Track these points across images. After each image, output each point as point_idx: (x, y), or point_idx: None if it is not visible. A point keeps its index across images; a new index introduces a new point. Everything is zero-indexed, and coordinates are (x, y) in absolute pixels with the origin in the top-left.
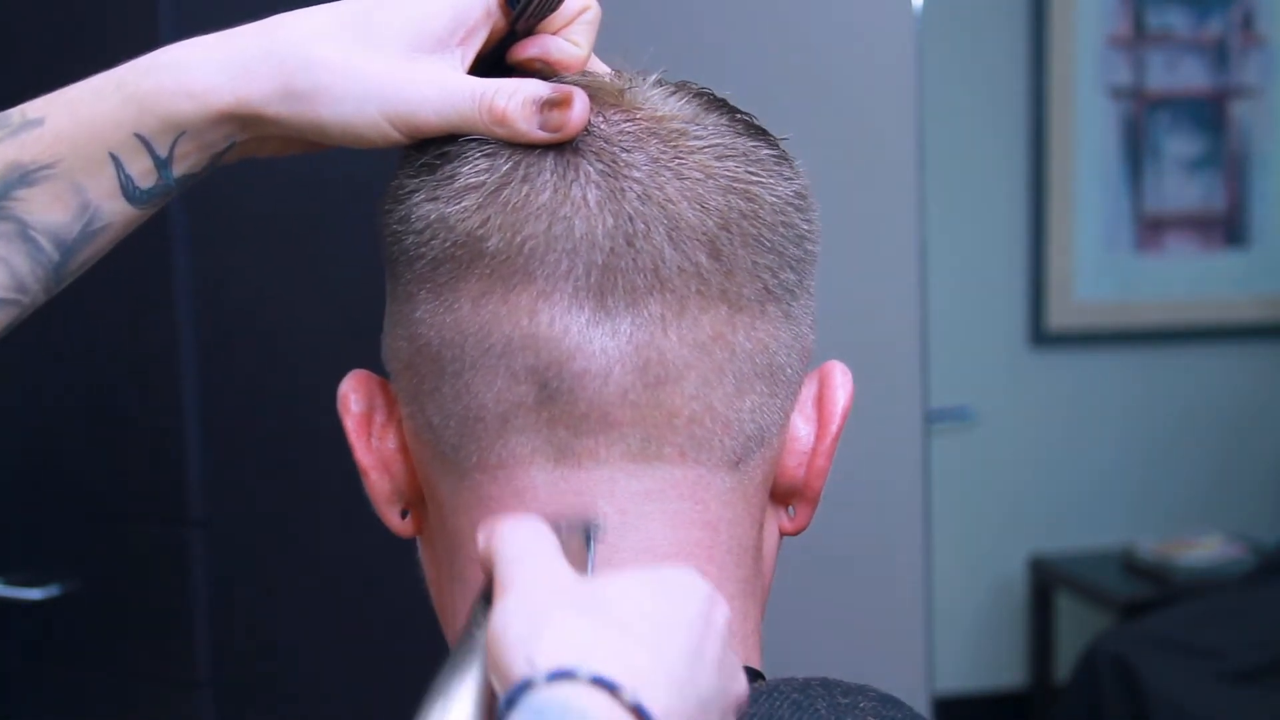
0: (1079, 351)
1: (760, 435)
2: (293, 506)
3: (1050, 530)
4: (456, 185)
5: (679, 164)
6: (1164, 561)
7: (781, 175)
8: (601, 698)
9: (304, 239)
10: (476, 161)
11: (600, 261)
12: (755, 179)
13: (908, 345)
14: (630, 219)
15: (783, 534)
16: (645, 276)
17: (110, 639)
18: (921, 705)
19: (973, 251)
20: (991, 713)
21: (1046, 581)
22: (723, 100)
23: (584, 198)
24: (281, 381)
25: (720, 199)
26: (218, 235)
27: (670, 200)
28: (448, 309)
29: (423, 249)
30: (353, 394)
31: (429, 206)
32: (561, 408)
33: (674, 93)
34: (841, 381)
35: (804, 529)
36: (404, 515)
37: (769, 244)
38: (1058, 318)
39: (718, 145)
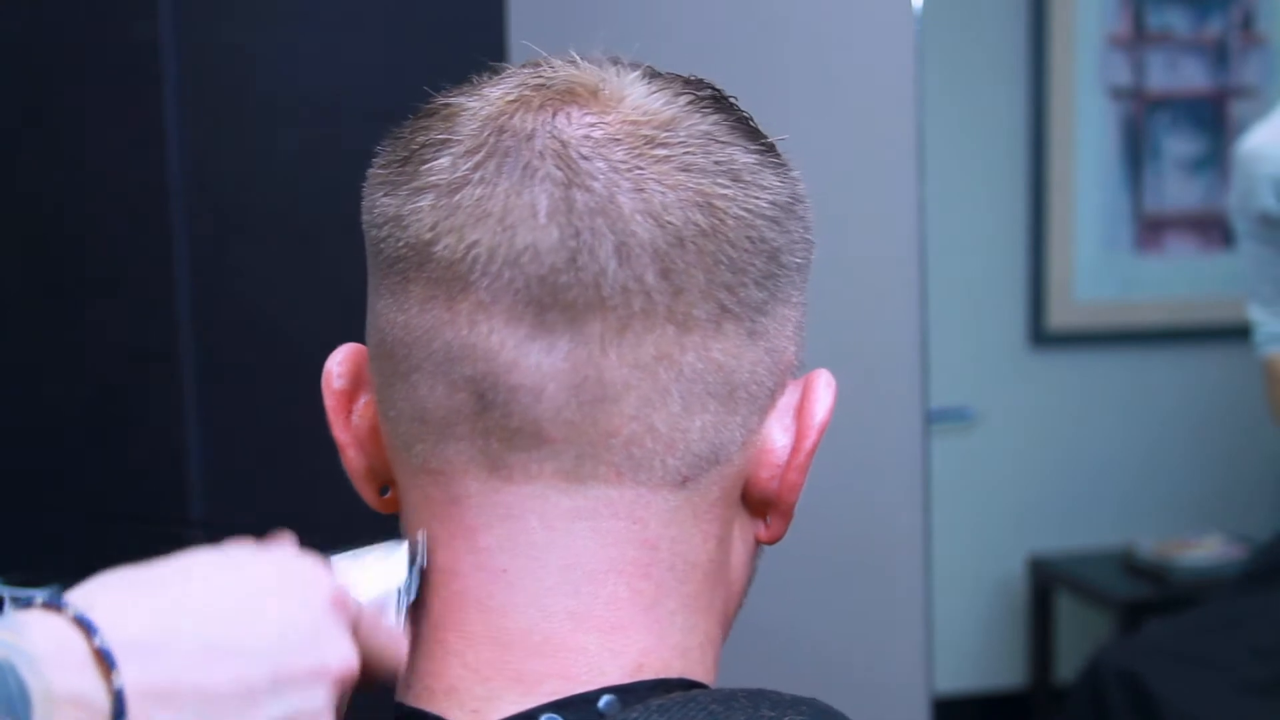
0: (1079, 351)
1: (713, 455)
2: (293, 506)
3: (1050, 530)
4: (415, 184)
5: (638, 174)
6: (1164, 561)
7: (758, 185)
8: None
9: (305, 238)
10: (439, 159)
11: (540, 276)
12: (722, 192)
13: (908, 345)
14: (577, 233)
15: (759, 543)
16: (585, 294)
17: None
18: (921, 705)
19: (973, 251)
20: (991, 713)
21: (1046, 581)
22: (714, 97)
23: (533, 206)
24: (282, 381)
25: (678, 214)
26: (218, 235)
27: (623, 214)
28: (400, 309)
29: (381, 245)
30: (337, 369)
31: (386, 201)
32: (496, 420)
33: (660, 90)
34: (822, 394)
35: (779, 539)
36: (384, 492)
37: (728, 261)
38: (1058, 318)
39: (685, 157)
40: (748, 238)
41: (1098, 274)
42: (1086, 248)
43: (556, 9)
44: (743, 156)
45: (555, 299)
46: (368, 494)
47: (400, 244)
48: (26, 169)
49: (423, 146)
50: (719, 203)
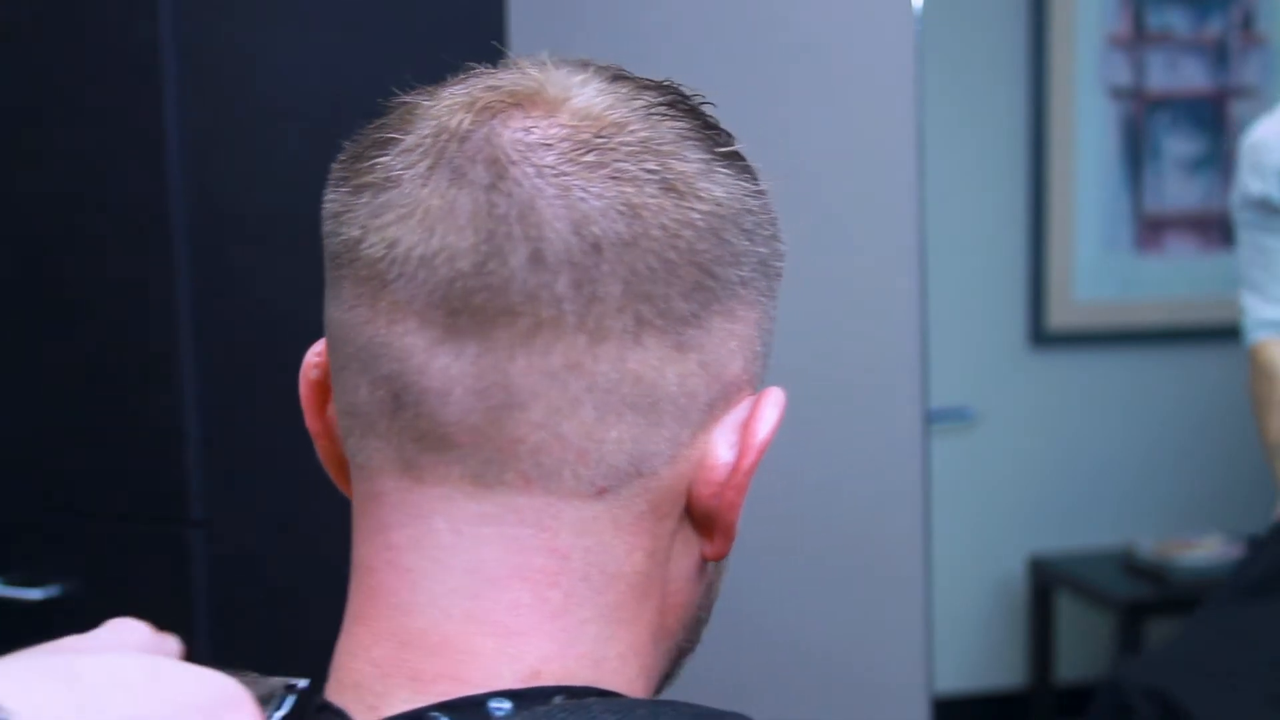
0: (1079, 351)
1: (634, 467)
2: (293, 506)
3: (1050, 530)
4: (357, 181)
5: (564, 180)
6: (1164, 561)
7: (695, 195)
8: None
9: (305, 238)
10: (382, 157)
11: (451, 279)
12: (650, 201)
13: (908, 345)
14: (491, 237)
15: (706, 559)
16: (493, 300)
17: None
18: (921, 705)
19: (973, 251)
20: (991, 713)
21: (1046, 581)
22: (673, 102)
23: (455, 209)
24: (282, 381)
25: (600, 223)
26: (218, 235)
27: (541, 220)
28: (336, 304)
29: (326, 240)
30: (315, 360)
31: (333, 197)
32: (408, 421)
33: (612, 94)
34: (768, 413)
35: (723, 556)
36: None
37: (649, 272)
38: (1058, 318)
39: (617, 164)
40: (674, 248)
41: (1097, 274)
42: (1086, 248)
43: (556, 9)
44: (681, 165)
45: (465, 303)
46: (342, 484)
47: (338, 240)
48: (26, 169)
49: (373, 144)
50: (646, 213)
